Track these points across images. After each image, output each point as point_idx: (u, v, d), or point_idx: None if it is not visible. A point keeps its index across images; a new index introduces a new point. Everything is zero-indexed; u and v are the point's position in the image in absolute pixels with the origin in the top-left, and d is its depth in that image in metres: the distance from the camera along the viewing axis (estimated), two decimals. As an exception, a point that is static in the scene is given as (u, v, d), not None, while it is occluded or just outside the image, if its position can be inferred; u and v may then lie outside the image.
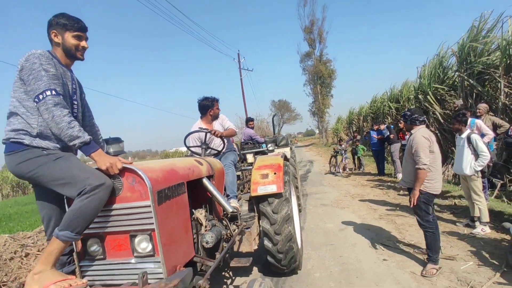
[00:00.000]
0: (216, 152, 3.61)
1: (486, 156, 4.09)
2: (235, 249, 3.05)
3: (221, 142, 3.60)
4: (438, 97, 9.63)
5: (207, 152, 3.46)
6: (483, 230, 4.16)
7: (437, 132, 9.29)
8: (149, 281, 1.64)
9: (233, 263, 2.75)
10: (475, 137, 4.18)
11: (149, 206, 1.72)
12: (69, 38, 1.90)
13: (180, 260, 1.96)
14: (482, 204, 4.22)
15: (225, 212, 2.85)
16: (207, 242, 2.31)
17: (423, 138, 3.38)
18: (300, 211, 6.39)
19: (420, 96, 10.56)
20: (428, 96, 9.95)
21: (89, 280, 1.80)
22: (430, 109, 9.63)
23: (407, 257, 3.75)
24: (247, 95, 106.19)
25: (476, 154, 4.16)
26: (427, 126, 9.86)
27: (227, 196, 3.34)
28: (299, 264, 3.45)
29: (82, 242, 1.85)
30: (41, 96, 1.66)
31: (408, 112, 3.65)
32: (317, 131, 50.75)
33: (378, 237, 4.50)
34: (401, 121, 7.15)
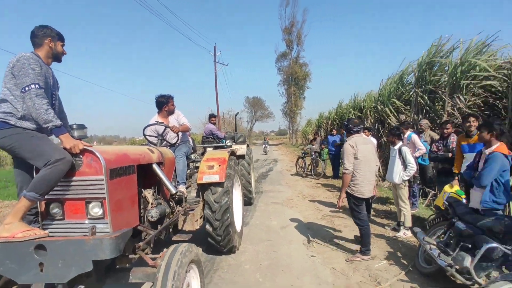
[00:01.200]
0: (169, 144, 4.04)
1: (413, 167, 4.51)
2: (180, 227, 3.51)
3: (176, 135, 4.04)
4: (395, 110, 10.26)
5: (163, 143, 3.96)
6: (405, 234, 4.59)
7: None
8: (97, 236, 2.08)
9: (174, 238, 3.40)
10: (405, 149, 4.59)
11: (102, 180, 2.15)
12: (59, 46, 2.50)
13: (124, 225, 2.34)
14: (407, 210, 4.65)
15: (173, 195, 3.25)
16: (151, 216, 2.81)
17: (349, 146, 3.85)
18: (251, 203, 6.96)
19: (379, 107, 11.19)
20: (386, 108, 10.59)
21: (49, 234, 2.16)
22: (387, 120, 10.26)
23: (333, 255, 4.08)
24: (221, 90, 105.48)
25: (405, 165, 4.57)
26: (381, 136, 10.54)
27: (177, 182, 3.70)
28: (236, 246, 4.06)
29: (46, 205, 2.22)
30: (27, 88, 2.13)
31: (345, 122, 4.12)
32: (289, 131, 51.74)
33: (314, 236, 4.82)
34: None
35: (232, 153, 4.55)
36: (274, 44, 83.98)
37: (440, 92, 8.00)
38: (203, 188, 3.83)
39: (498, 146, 3.10)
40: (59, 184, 2.13)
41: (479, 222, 2.81)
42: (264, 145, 27.32)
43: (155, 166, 3.04)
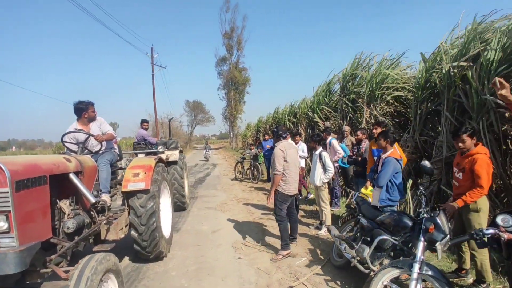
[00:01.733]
0: (91, 152, 3.91)
1: (331, 170, 4.97)
2: (103, 237, 3.39)
3: (98, 143, 3.91)
4: (324, 116, 11.10)
5: (84, 151, 3.81)
6: (325, 232, 5.02)
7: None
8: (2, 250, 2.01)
9: (95, 248, 3.18)
10: (325, 154, 5.04)
11: (7, 192, 2.06)
12: None
13: (34, 238, 2.25)
14: (327, 210, 5.10)
15: (93, 204, 3.14)
16: (68, 228, 2.71)
17: (279, 150, 4.22)
18: (184, 209, 7.02)
19: (309, 113, 11.97)
20: (315, 114, 11.40)
21: None
22: (316, 125, 11.04)
23: (259, 256, 4.28)
24: (160, 93, 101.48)
25: (325, 169, 5.01)
26: (321, 140, 11.31)
27: (100, 190, 3.60)
28: (163, 252, 4.00)
29: None
30: None
31: (275, 129, 4.48)
32: (230, 135, 51.96)
33: (244, 238, 4.99)
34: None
35: (160, 160, 4.52)
36: (214, 47, 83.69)
37: (359, 101, 8.93)
38: (128, 195, 3.76)
39: (392, 152, 3.62)
40: None
41: (377, 217, 3.25)
42: (205, 150, 24.12)
43: (72, 176, 2.92)
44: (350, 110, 9.26)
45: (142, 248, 3.75)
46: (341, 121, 9.57)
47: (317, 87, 12.34)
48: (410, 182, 5.32)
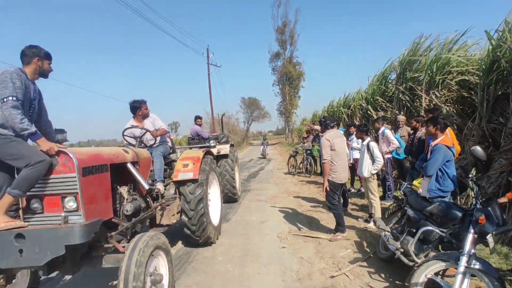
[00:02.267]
0: (146, 146, 4.30)
1: (380, 161, 4.75)
2: (157, 221, 3.83)
3: (153, 138, 4.28)
4: (379, 106, 10.52)
5: (141, 145, 4.21)
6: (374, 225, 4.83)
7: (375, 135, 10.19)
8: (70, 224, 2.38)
9: (151, 230, 3.52)
10: (373, 144, 4.83)
11: (75, 177, 2.42)
12: (46, 65, 2.73)
13: (98, 216, 2.58)
14: (376, 202, 4.89)
15: (149, 191, 3.53)
16: (126, 210, 3.10)
17: (325, 139, 4.36)
18: (236, 200, 7.31)
19: (363, 104, 11.44)
20: (370, 105, 10.86)
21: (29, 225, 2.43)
22: (371, 117, 10.51)
23: (303, 246, 4.32)
24: (216, 91, 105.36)
25: (373, 159, 4.81)
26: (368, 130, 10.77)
27: (155, 180, 3.92)
28: (211, 237, 4.29)
29: (27, 201, 2.47)
30: (5, 99, 2.35)
31: (323, 119, 4.64)
32: (285, 130, 51.81)
33: (290, 229, 5.05)
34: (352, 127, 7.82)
35: (208, 152, 4.80)
36: (267, 43, 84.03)
37: (418, 88, 8.27)
38: (179, 184, 4.12)
39: (443, 139, 3.33)
40: (39, 182, 2.39)
41: (424, 208, 3.05)
42: (263, 146, 21.50)
43: (129, 165, 3.29)
44: (407, 98, 8.64)
45: (192, 232, 4.07)
46: (397, 111, 8.98)
47: (372, 77, 11.75)
48: (473, 171, 4.81)
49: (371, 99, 10.91)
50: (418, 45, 8.92)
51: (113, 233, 2.84)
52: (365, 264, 3.61)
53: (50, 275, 3.05)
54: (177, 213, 4.11)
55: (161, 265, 2.82)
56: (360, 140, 7.18)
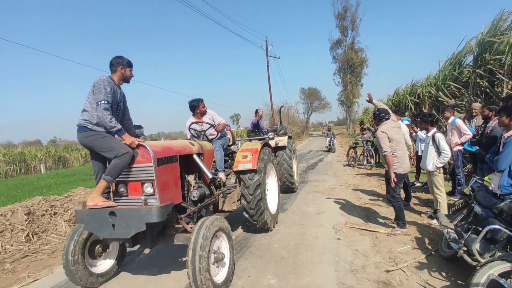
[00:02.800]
0: (208, 139, 4.73)
1: (447, 154, 4.42)
2: (220, 207, 4.21)
3: (214, 132, 4.76)
4: (450, 93, 9.57)
5: (204, 138, 4.67)
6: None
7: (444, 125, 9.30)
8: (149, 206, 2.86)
9: (214, 215, 4.01)
10: (439, 135, 4.51)
11: (152, 166, 2.91)
12: (128, 72, 3.30)
13: (170, 200, 3.03)
14: (442, 198, 4.58)
15: (212, 180, 3.97)
16: (193, 196, 3.52)
17: (381, 132, 4.30)
18: (293, 191, 7.50)
19: (432, 91, 10.51)
20: (440, 92, 9.92)
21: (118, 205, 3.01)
22: (443, 104, 9.61)
23: (359, 239, 4.28)
24: (275, 83, 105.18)
25: (439, 152, 4.50)
26: (437, 120, 9.85)
27: (217, 170, 4.33)
28: (268, 223, 4.54)
29: (116, 186, 3.06)
30: (99, 103, 2.93)
31: (377, 112, 4.53)
32: (347, 121, 49.87)
33: (346, 221, 5.02)
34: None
35: (266, 145, 5.05)
36: (327, 31, 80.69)
37: (499, 72, 7.33)
38: (239, 173, 4.46)
39: (518, 130, 3.00)
40: (124, 170, 2.95)
41: (494, 206, 2.82)
42: (328, 138, 18.87)
43: (195, 157, 3.71)
44: (486, 84, 7.71)
45: (250, 216, 4.38)
46: (473, 97, 8.08)
47: (444, 61, 10.64)
48: None
49: (442, 85, 9.95)
50: (500, 22, 7.85)
51: (182, 215, 3.28)
52: (424, 261, 3.47)
53: (133, 249, 3.66)
54: (238, 200, 4.47)
55: (223, 246, 3.19)
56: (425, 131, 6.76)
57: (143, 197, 2.90)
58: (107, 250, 3.57)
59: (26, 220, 5.25)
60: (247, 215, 4.41)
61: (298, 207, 6.20)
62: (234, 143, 5.61)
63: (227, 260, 3.16)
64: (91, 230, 2.97)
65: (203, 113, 4.86)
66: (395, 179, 4.22)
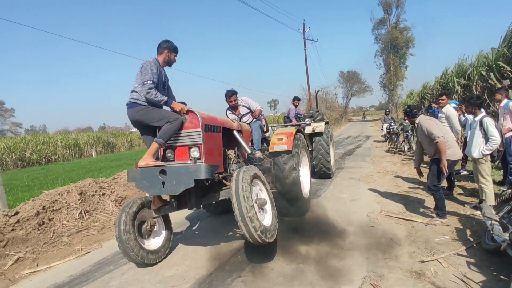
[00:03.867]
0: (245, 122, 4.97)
1: (495, 140, 4.08)
2: None
3: (249, 118, 5.02)
4: (505, 74, 8.67)
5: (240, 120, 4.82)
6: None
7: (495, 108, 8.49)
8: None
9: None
10: (487, 120, 4.16)
11: (199, 131, 3.21)
12: (172, 56, 3.57)
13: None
14: (488, 188, 4.27)
15: (250, 156, 4.24)
16: (233, 170, 3.71)
17: (427, 120, 4.18)
18: (329, 177, 7.41)
19: (483, 72, 9.61)
20: (492, 74, 9.04)
21: None
22: (494, 86, 8.77)
23: (394, 227, 4.16)
24: (312, 67, 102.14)
25: (487, 138, 4.17)
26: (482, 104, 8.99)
27: (254, 149, 4.56)
28: (301, 208, 4.59)
29: (163, 152, 3.35)
30: (145, 82, 3.20)
31: (408, 109, 4.44)
32: (389, 105, 47.31)
33: (382, 209, 4.88)
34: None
35: (299, 131, 5.10)
36: (369, 11, 75.91)
37: None
38: (274, 155, 4.51)
39: None
40: (173, 136, 3.20)
41: (545, 197, 2.58)
42: (386, 124, 14.35)
43: (235, 132, 4.05)
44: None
45: (284, 199, 4.36)
46: (508, 80, 7.23)
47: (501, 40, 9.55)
48: None
49: (494, 66, 9.04)
50: None
51: (222, 175, 3.53)
52: (464, 253, 3.29)
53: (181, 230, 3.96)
54: (271, 182, 4.50)
55: (260, 189, 3.36)
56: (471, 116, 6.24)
57: (189, 162, 3.14)
58: (154, 229, 3.74)
59: (79, 199, 5.79)
60: (281, 198, 4.39)
61: (332, 193, 6.13)
62: (267, 130, 5.65)
63: (268, 205, 3.32)
64: (142, 188, 3.17)
65: (234, 107, 4.99)
66: (445, 167, 3.96)
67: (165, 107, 3.40)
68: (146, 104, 3.27)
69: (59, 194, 5.74)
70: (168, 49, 3.48)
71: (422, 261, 3.17)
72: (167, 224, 3.92)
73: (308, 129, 7.38)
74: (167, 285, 3.17)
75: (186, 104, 3.70)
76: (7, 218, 4.65)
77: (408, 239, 3.74)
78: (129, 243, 3.31)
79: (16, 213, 4.80)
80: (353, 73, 52.03)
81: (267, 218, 3.25)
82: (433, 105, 9.56)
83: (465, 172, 6.81)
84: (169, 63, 3.57)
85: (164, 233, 3.87)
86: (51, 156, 20.22)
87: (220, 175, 3.47)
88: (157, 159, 3.34)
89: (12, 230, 4.49)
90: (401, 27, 34.56)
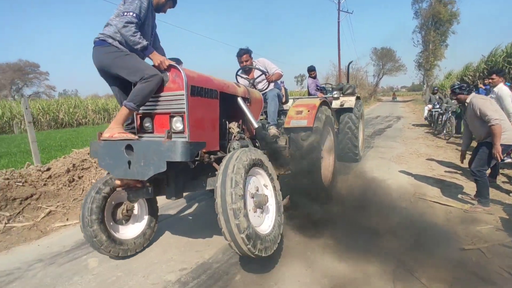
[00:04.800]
0: (261, 91, 4.07)
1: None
2: None
3: (265, 83, 4.12)
4: None
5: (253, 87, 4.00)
6: (534, 203, 3.89)
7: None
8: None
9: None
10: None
11: (183, 94, 2.34)
12: (167, 5, 2.78)
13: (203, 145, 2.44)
14: (541, 177, 3.87)
15: (261, 130, 3.32)
16: (233, 147, 2.94)
17: (481, 99, 3.80)
18: (356, 160, 6.46)
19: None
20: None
21: None
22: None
23: (429, 211, 3.89)
24: (344, 41, 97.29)
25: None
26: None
27: (268, 123, 3.81)
28: (320, 194, 3.78)
29: (140, 120, 2.58)
30: (126, 13, 2.39)
31: (456, 86, 4.06)
32: (423, 86, 44.76)
33: (415, 191, 4.60)
34: None
35: (325, 103, 4.25)
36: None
37: None
38: (290, 131, 3.71)
39: None
40: (150, 99, 2.43)
41: None
42: (430, 105, 12.02)
43: (239, 100, 3.14)
44: None
45: (300, 183, 3.65)
46: None
47: None
48: None
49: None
50: None
51: (212, 156, 2.62)
52: (510, 245, 3.01)
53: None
54: (286, 164, 3.76)
55: (264, 185, 2.58)
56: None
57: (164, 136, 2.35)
58: (133, 214, 3.00)
59: (107, 160, 5.88)
60: (295, 182, 3.69)
61: (361, 172, 5.86)
62: (286, 101, 4.80)
63: (272, 207, 2.56)
64: (105, 167, 2.44)
65: (247, 69, 4.14)
66: (499, 153, 3.61)
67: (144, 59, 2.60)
68: (119, 46, 2.46)
69: (87, 153, 5.86)
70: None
71: (463, 249, 2.93)
72: (152, 207, 3.17)
73: (335, 104, 6.38)
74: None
75: (181, 63, 2.94)
76: (40, 173, 4.80)
77: (445, 225, 3.49)
78: (96, 237, 2.64)
79: (48, 169, 4.95)
80: (387, 50, 49.38)
81: (266, 223, 2.49)
82: (480, 85, 8.79)
83: (509, 160, 6.28)
84: (158, 6, 2.76)
85: (146, 218, 3.14)
86: (82, 119, 20.92)
87: (213, 156, 2.62)
88: (133, 129, 2.65)
89: (44, 184, 4.64)
90: (446, 1, 31.76)
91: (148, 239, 3.13)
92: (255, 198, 2.37)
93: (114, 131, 2.42)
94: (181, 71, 2.37)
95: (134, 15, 2.38)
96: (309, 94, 7.70)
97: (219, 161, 2.60)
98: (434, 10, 31.64)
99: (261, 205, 2.40)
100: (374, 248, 2.96)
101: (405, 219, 3.60)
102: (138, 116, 2.58)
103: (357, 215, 3.71)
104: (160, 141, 2.22)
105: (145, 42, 2.43)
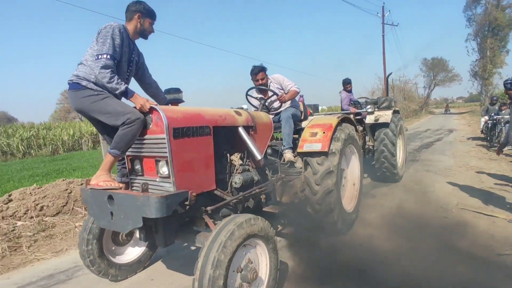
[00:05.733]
0: (273, 109, 3.94)
1: None
2: (278, 198, 3.30)
3: (279, 103, 3.89)
4: None
5: (264, 109, 3.79)
6: None
7: None
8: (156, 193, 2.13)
9: (265, 208, 3.25)
10: None
11: (164, 139, 2.13)
12: (147, 23, 2.55)
13: (194, 187, 2.25)
14: None
15: (259, 161, 2.93)
16: (235, 183, 2.70)
17: None
18: (395, 181, 5.97)
19: None
20: None
21: (133, 188, 2.45)
22: None
23: (472, 221, 3.90)
24: (391, 54, 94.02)
25: None
26: None
27: (283, 146, 3.60)
28: (338, 224, 3.44)
29: (131, 163, 2.44)
30: (100, 56, 2.22)
31: (509, 81, 4.07)
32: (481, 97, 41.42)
33: (458, 202, 4.60)
34: None
35: (346, 119, 3.95)
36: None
37: None
38: (306, 154, 3.47)
39: None
40: (136, 142, 2.28)
41: None
42: (488, 115, 11.08)
43: (240, 130, 2.83)
44: None
45: (315, 212, 3.39)
46: None
47: None
48: None
49: None
50: None
51: (208, 208, 2.41)
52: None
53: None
54: (301, 191, 3.45)
55: (260, 253, 2.30)
56: None
57: (158, 179, 2.25)
58: (134, 236, 2.94)
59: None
60: (310, 210, 3.42)
61: (403, 182, 5.92)
62: (306, 118, 4.34)
63: (264, 275, 2.29)
64: (93, 216, 2.38)
65: (261, 86, 3.82)
66: None
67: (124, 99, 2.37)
68: (94, 89, 2.27)
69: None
70: (140, 13, 2.48)
71: (500, 254, 3.01)
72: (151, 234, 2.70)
73: (369, 119, 6.02)
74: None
75: (181, 92, 2.83)
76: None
77: (486, 233, 3.52)
78: (93, 265, 2.67)
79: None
80: (439, 60, 46.94)
81: None
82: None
83: None
84: (142, 33, 2.56)
85: (147, 243, 2.98)
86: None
87: (209, 208, 2.41)
88: (123, 174, 2.55)
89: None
90: (504, 5, 29.59)
91: (147, 263, 3.12)
92: (243, 272, 2.11)
93: (100, 178, 2.34)
94: (161, 114, 2.15)
95: (109, 56, 2.24)
96: (342, 109, 7.33)
97: (216, 211, 2.53)
98: (490, 17, 29.70)
99: (247, 280, 2.12)
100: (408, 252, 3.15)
101: (443, 228, 3.70)
102: (129, 158, 2.46)
103: (393, 228, 3.87)
104: (136, 195, 2.07)
105: (123, 87, 2.26)
